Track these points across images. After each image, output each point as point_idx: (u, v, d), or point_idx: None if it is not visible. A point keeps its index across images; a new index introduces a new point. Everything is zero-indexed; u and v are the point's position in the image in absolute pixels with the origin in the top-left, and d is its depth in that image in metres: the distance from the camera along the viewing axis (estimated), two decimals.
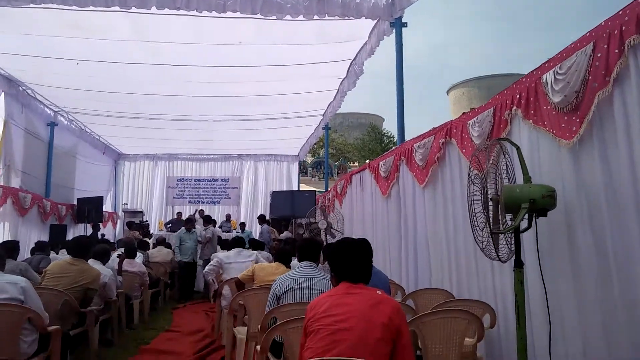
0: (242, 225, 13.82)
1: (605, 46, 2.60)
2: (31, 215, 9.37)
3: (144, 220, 14.55)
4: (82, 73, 8.32)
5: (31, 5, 5.81)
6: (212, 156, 16.26)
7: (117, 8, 5.90)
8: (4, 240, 7.29)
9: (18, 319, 3.48)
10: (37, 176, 10.51)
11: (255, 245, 7.68)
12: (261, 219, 12.59)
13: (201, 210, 14.88)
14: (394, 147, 6.88)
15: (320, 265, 4.42)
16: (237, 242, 6.72)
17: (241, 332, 4.46)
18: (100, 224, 12.43)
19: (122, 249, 7.09)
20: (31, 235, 9.36)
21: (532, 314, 3.24)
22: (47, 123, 10.93)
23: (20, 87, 9.35)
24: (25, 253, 7.94)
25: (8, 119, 9.17)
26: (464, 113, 4.73)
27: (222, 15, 6.12)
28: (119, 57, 7.80)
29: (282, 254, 5.15)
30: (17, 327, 3.47)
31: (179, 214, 14.84)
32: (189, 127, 12.04)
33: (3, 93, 9.05)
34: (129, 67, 8.17)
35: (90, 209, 11.62)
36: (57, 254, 7.20)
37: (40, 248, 6.92)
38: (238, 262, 6.26)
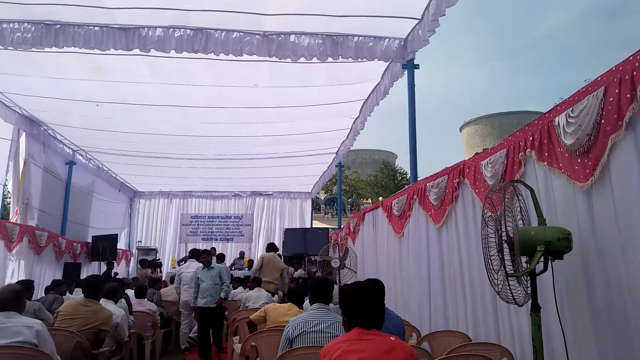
0: (252, 262, 13.77)
1: (617, 90, 2.63)
2: (46, 254, 9.44)
3: (157, 258, 14.53)
4: (101, 113, 8.57)
5: (54, 49, 6.02)
6: (226, 193, 16.37)
7: (137, 51, 6.08)
8: (19, 280, 7.33)
9: None
10: (54, 214, 10.65)
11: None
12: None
13: (213, 248, 14.86)
14: (407, 185, 6.88)
15: (333, 305, 4.37)
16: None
17: None
18: (115, 261, 12.47)
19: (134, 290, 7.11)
20: (46, 273, 9.40)
21: (551, 356, 3.16)
22: (65, 162, 11.17)
23: (41, 127, 9.61)
24: (39, 291, 7.99)
25: (28, 158, 9.39)
26: (476, 153, 4.75)
27: (239, 58, 6.28)
28: (137, 99, 8.03)
29: (295, 294, 5.10)
30: None
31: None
32: (203, 165, 12.21)
33: (24, 133, 9.30)
34: (147, 108, 8.40)
35: (104, 247, 11.68)
36: (71, 293, 7.22)
37: (54, 287, 6.95)
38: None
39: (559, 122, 3.13)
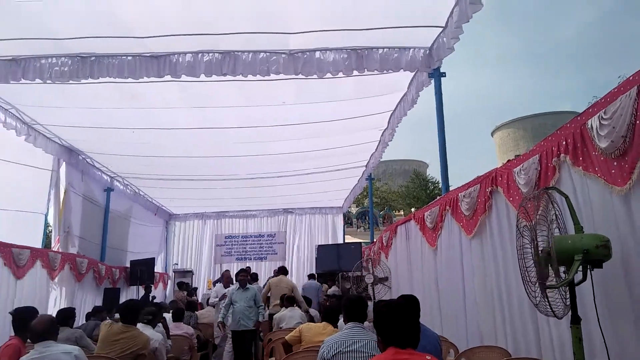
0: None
1: None
2: (87, 280, 9.67)
3: (192, 286, 14.63)
4: (137, 139, 8.80)
5: (90, 80, 6.24)
6: (258, 212, 16.47)
7: (169, 77, 6.24)
8: (61, 308, 7.54)
9: None
10: (94, 240, 10.93)
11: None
12: (310, 277, 12.48)
13: (248, 267, 14.90)
14: (439, 194, 6.79)
15: (368, 323, 4.31)
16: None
17: None
18: (152, 285, 12.67)
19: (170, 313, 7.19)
20: (86, 299, 9.62)
21: None
22: (104, 189, 11.48)
23: (80, 157, 9.93)
24: (80, 318, 8.18)
25: (68, 187, 9.71)
26: (508, 160, 4.64)
27: (266, 78, 6.36)
28: (170, 123, 8.24)
29: (329, 313, 5.06)
30: None
31: (226, 271, 14.93)
32: (236, 185, 12.34)
33: (64, 163, 9.63)
34: (179, 132, 8.60)
35: (142, 271, 11.90)
36: (111, 319, 7.35)
37: (95, 314, 7.10)
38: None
39: (591, 124, 3.03)
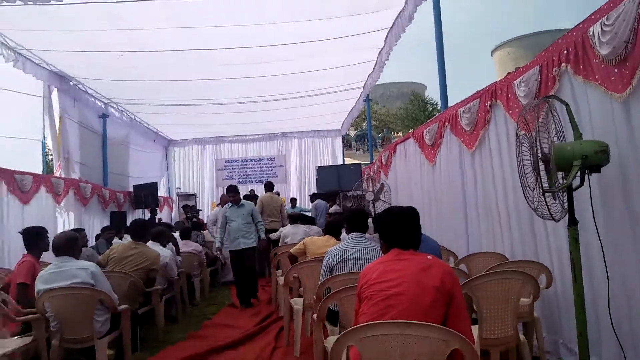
0: (293, 201, 14.03)
1: None
2: (92, 204, 9.86)
3: (197, 207, 14.98)
4: (127, 64, 8.57)
5: (73, 1, 6.00)
6: (257, 136, 16.48)
7: None
8: (71, 229, 7.75)
9: (90, 301, 3.75)
10: (95, 166, 11.00)
11: (306, 220, 7.88)
12: (313, 196, 12.77)
13: (251, 190, 15.15)
14: (438, 114, 6.79)
15: (369, 235, 4.49)
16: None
17: (298, 303, 4.61)
18: (157, 208, 12.94)
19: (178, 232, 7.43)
20: (94, 222, 9.86)
21: (590, 271, 3.21)
22: (99, 115, 11.36)
23: (71, 82, 9.74)
24: (91, 240, 8.44)
25: (63, 113, 9.61)
26: (508, 73, 4.60)
27: None
28: (158, 46, 7.98)
29: (331, 227, 5.24)
30: (90, 308, 3.74)
31: (225, 194, 15.16)
32: (231, 110, 12.20)
33: (56, 89, 9.48)
34: (169, 55, 8.34)
35: (146, 195, 12.10)
36: (120, 239, 7.59)
37: (103, 233, 7.38)
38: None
39: (593, 32, 3.00)
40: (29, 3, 5.96)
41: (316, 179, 14.64)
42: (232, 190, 7.04)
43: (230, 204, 7.00)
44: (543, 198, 2.78)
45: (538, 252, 4.02)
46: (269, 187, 9.94)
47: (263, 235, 7.04)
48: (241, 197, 7.26)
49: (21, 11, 6.37)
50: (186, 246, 7.05)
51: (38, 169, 9.35)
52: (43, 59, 8.48)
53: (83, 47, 7.87)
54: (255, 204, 9.63)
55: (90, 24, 7.06)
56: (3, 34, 7.34)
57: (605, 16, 2.87)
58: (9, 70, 7.83)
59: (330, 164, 15.78)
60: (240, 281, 6.86)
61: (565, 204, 2.84)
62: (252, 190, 14.67)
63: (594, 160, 2.62)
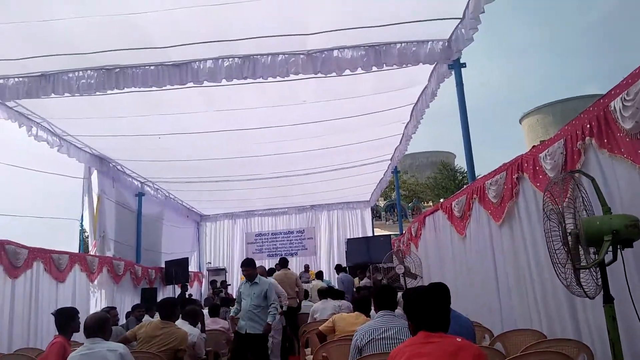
0: (320, 274, 13.89)
1: None
2: (125, 282, 10.00)
3: (226, 281, 14.93)
4: (164, 145, 9.04)
5: (115, 90, 6.45)
6: (286, 209, 16.69)
7: (191, 84, 6.40)
8: (102, 308, 7.83)
9: None
10: (129, 243, 11.27)
11: (335, 294, 7.74)
12: (338, 268, 12.59)
13: (261, 266, 14.82)
14: (465, 187, 6.79)
15: (399, 311, 4.38)
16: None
17: None
18: (188, 284, 12.98)
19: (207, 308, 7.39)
20: (125, 300, 9.95)
21: (632, 348, 3.05)
22: (135, 194, 11.81)
23: (110, 164, 10.25)
24: (122, 318, 8.47)
25: (101, 193, 10.04)
26: (534, 146, 4.64)
27: (286, 79, 6.46)
28: (194, 128, 8.46)
29: (361, 303, 5.13)
30: None
31: (260, 267, 15.10)
32: (262, 185, 12.53)
33: (96, 171, 9.96)
34: (204, 136, 8.79)
35: (177, 271, 12.21)
36: (152, 317, 7.59)
37: (134, 311, 7.39)
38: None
39: (614, 106, 3.04)
40: (75, 95, 6.44)
41: (346, 251, 14.53)
42: (246, 264, 6.25)
43: (244, 280, 6.32)
44: (575, 275, 2.71)
45: (577, 329, 3.84)
46: (282, 263, 9.54)
47: (271, 320, 6.06)
48: (266, 270, 6.85)
49: (67, 100, 6.88)
50: (214, 324, 6.99)
51: (74, 248, 9.60)
52: (85, 143, 9.02)
53: (123, 131, 8.39)
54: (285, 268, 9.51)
55: (131, 111, 7.56)
56: (50, 122, 7.87)
57: (626, 91, 2.92)
58: (49, 153, 8.28)
59: (360, 235, 15.71)
60: None
61: (599, 280, 2.75)
62: (261, 267, 14.47)
63: (625, 234, 2.56)
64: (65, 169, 9.26)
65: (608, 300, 2.68)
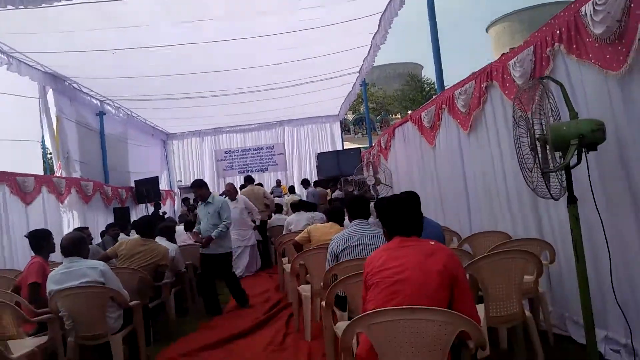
0: (292, 188, 14.11)
1: None
2: (95, 202, 9.91)
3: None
4: (121, 61, 8.57)
5: (62, 2, 5.97)
6: (255, 125, 16.51)
7: None
8: (74, 228, 7.83)
9: (102, 299, 3.82)
10: (94, 164, 11.05)
11: (308, 207, 7.94)
12: (305, 182, 12.82)
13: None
14: (435, 95, 6.80)
15: (372, 219, 4.55)
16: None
17: (306, 290, 4.69)
18: (160, 202, 13.01)
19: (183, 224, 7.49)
20: (98, 219, 9.92)
21: (592, 246, 3.28)
22: (95, 113, 11.39)
23: (65, 82, 9.74)
24: (96, 237, 8.53)
25: (60, 113, 9.64)
26: (503, 54, 4.63)
27: None
28: (153, 42, 7.98)
29: (334, 213, 5.29)
30: (102, 305, 3.81)
31: (229, 184, 15.25)
32: (228, 101, 12.22)
33: (51, 90, 9.49)
34: (163, 50, 8.34)
35: (148, 190, 12.17)
36: (127, 235, 7.66)
37: (108, 230, 7.46)
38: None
39: (585, 11, 3.02)
40: (20, 7, 5.94)
41: (317, 165, 14.69)
42: (195, 185, 6.32)
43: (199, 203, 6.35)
44: (542, 178, 2.83)
45: (541, 229, 4.08)
46: (248, 180, 9.81)
47: (215, 235, 5.92)
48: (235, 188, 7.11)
49: (13, 14, 6.36)
50: (191, 238, 7.12)
51: (39, 170, 9.38)
52: (36, 60, 8.48)
53: (76, 46, 7.88)
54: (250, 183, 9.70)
55: (83, 24, 7.06)
56: None
57: None
58: (2, 73, 7.83)
59: (330, 149, 15.81)
60: (206, 289, 6.00)
61: (564, 183, 2.89)
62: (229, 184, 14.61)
63: (591, 138, 2.65)
64: (18, 88, 8.80)
65: (572, 200, 2.82)
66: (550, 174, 2.88)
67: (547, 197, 2.91)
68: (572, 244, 2.81)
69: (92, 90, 10.76)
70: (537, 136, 2.88)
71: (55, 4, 5.99)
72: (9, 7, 5.89)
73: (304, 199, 11.16)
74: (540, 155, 2.85)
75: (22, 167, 7.87)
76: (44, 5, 5.99)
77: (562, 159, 2.78)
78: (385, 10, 7.96)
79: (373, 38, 9.18)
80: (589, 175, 2.87)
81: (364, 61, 10.63)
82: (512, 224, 4.56)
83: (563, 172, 2.87)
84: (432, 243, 2.42)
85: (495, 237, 4.41)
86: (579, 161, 2.81)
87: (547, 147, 2.83)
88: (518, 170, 3.18)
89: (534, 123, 2.91)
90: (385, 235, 2.64)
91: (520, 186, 4.23)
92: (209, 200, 6.17)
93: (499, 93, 4.48)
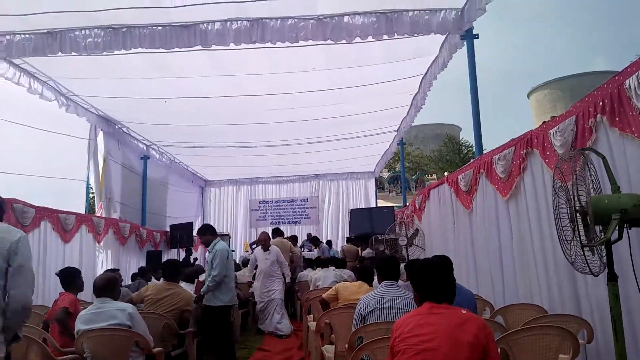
0: (329, 242, 14.00)
1: None
2: (130, 244, 10.13)
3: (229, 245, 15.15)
4: (170, 109, 8.99)
5: (122, 51, 6.36)
6: (291, 178, 16.73)
7: (199, 47, 6.31)
8: (107, 269, 7.96)
9: (127, 342, 3.82)
10: (134, 206, 11.36)
11: (337, 263, 7.86)
12: (315, 240, 12.89)
13: (308, 233, 15.13)
14: (473, 158, 6.76)
15: (402, 282, 4.44)
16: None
17: (329, 350, 4.56)
18: (192, 248, 13.13)
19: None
20: (130, 261, 10.10)
21: (633, 325, 3.11)
22: (140, 157, 11.84)
23: (116, 126, 10.24)
24: (127, 279, 8.62)
25: (107, 155, 10.07)
26: (544, 122, 4.60)
27: (295, 44, 6.36)
28: (201, 92, 8.37)
29: (364, 273, 5.21)
30: (126, 349, 3.81)
31: (264, 233, 15.24)
32: (267, 152, 12.51)
33: (102, 132, 9.96)
34: (211, 101, 8.72)
35: (182, 235, 12.33)
36: (157, 279, 7.71)
37: (141, 274, 7.49)
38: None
39: (629, 84, 3.00)
40: (82, 54, 6.37)
41: (349, 221, 14.61)
42: (199, 231, 5.96)
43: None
44: (581, 252, 2.72)
45: (579, 305, 3.90)
46: (276, 232, 9.69)
47: (204, 290, 5.41)
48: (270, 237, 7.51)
49: (73, 60, 6.81)
50: None
51: (81, 209, 9.69)
52: (91, 103, 8.99)
53: (130, 93, 8.33)
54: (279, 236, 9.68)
55: (138, 73, 7.49)
56: (55, 81, 7.83)
57: None
58: (54, 113, 8.27)
59: (364, 205, 15.76)
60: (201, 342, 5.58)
61: (604, 258, 2.77)
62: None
63: (633, 213, 2.56)
64: (70, 129, 9.26)
65: (612, 278, 2.70)
66: (591, 248, 2.78)
67: (585, 272, 2.79)
68: (611, 322, 2.67)
69: (139, 135, 11.24)
70: (577, 208, 2.80)
71: (116, 52, 6.41)
72: (73, 53, 6.33)
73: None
74: (580, 228, 2.76)
75: (66, 205, 8.14)
76: (105, 53, 6.41)
77: (603, 234, 2.69)
78: (426, 73, 8.13)
79: (413, 99, 9.33)
80: (630, 252, 2.75)
81: (402, 121, 10.77)
82: (549, 297, 4.36)
83: (603, 247, 2.77)
84: (464, 312, 2.33)
85: (530, 311, 4.23)
86: (620, 237, 2.71)
87: (588, 220, 2.75)
88: (557, 242, 3.09)
89: (573, 194, 2.84)
90: (415, 299, 2.58)
91: (558, 258, 4.08)
92: (209, 248, 5.67)
93: (539, 161, 4.42)
